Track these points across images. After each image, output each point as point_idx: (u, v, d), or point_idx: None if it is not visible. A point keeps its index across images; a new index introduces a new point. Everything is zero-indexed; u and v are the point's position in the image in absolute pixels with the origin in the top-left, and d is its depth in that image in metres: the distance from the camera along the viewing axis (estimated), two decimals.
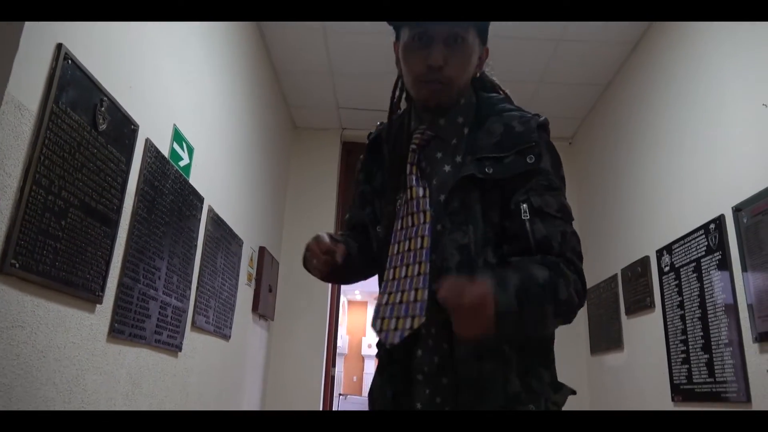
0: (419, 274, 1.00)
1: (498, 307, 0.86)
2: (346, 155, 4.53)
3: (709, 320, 2.45)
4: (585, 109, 4.12)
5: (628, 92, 3.48)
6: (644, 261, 3.11)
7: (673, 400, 2.73)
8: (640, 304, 3.15)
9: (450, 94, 1.08)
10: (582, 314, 4.07)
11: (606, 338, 3.66)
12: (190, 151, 2.39)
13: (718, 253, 2.40)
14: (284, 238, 4.30)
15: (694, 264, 2.59)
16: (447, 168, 1.09)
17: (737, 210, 2.27)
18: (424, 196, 1.06)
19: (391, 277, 1.04)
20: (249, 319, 3.43)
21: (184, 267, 2.33)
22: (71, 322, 1.58)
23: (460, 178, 1.03)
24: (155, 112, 2.05)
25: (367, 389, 1.20)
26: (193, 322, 2.45)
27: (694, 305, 2.58)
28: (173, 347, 2.24)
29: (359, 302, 13.62)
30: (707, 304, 2.47)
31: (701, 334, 2.51)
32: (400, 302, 1.01)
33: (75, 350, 1.60)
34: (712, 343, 2.42)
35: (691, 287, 2.61)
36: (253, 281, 3.50)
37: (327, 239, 1.10)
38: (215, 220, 2.71)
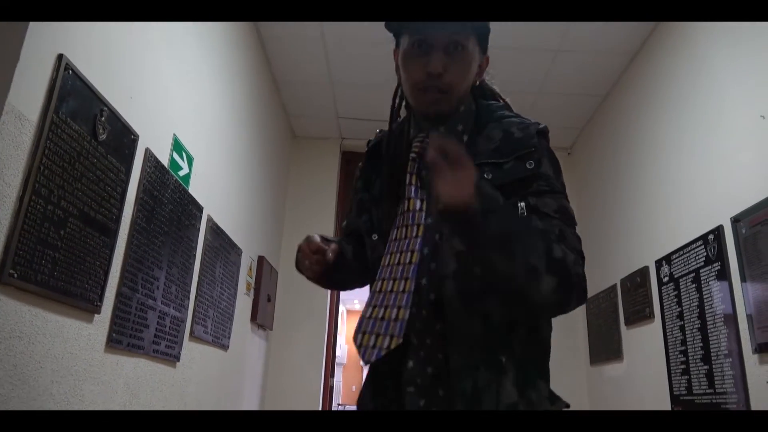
0: (403, 291, 0.99)
1: (481, 188, 0.86)
2: (345, 164, 4.54)
3: (709, 331, 2.45)
4: (584, 119, 4.14)
5: (627, 102, 3.50)
6: (643, 271, 3.10)
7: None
8: (639, 314, 3.15)
9: (449, 102, 1.08)
10: (581, 324, 4.08)
11: (606, 349, 3.65)
12: (190, 160, 2.39)
13: (717, 264, 2.40)
14: (283, 247, 4.30)
15: (693, 274, 2.59)
16: None
17: (736, 220, 2.28)
18: (420, 209, 1.05)
19: (378, 288, 1.04)
20: (248, 328, 3.42)
21: (183, 276, 2.33)
22: (69, 332, 1.57)
23: None
24: (155, 122, 2.06)
25: None
26: (192, 332, 2.44)
27: (693, 316, 2.58)
28: (171, 357, 2.23)
29: (358, 312, 13.53)
30: (707, 315, 2.47)
31: (701, 344, 2.50)
32: (382, 318, 1.00)
33: (73, 360, 1.59)
34: (712, 354, 2.42)
35: (691, 298, 2.61)
36: (252, 291, 3.49)
37: (318, 239, 1.10)
38: (214, 230, 2.71)
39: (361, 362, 1.02)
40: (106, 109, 1.68)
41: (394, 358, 1.01)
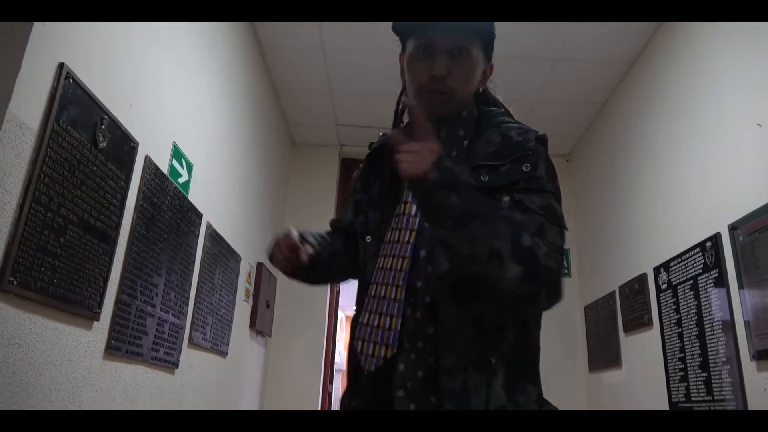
0: (394, 299, 1.01)
1: (444, 164, 0.89)
2: (344, 171, 4.55)
3: (707, 338, 2.45)
4: (582, 126, 4.15)
5: (625, 110, 3.52)
6: (642, 278, 3.11)
7: None
8: (638, 321, 3.15)
9: (452, 105, 1.09)
10: (580, 331, 4.08)
11: (604, 355, 3.65)
12: (189, 167, 2.40)
13: (714, 271, 2.41)
14: None
15: (691, 282, 2.60)
16: None
17: (733, 228, 2.29)
18: (415, 214, 1.06)
19: (372, 293, 1.05)
20: (246, 335, 3.42)
21: (182, 283, 2.33)
22: (68, 339, 1.58)
23: None
24: (155, 130, 2.07)
25: None
26: (190, 339, 2.44)
27: (691, 323, 2.58)
28: (170, 364, 2.23)
29: None
30: (705, 322, 2.48)
31: (699, 352, 2.51)
32: (377, 326, 1.02)
33: (71, 367, 1.60)
34: (710, 361, 2.42)
35: (689, 305, 2.61)
36: (251, 297, 3.49)
37: (295, 236, 1.11)
38: (213, 237, 2.72)
39: (364, 370, 1.03)
40: (106, 117, 1.69)
41: (384, 362, 1.02)
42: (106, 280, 1.73)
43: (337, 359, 4.80)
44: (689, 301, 2.61)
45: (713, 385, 2.39)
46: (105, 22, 1.70)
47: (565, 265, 4.37)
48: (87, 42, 1.62)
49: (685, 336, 2.63)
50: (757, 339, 2.11)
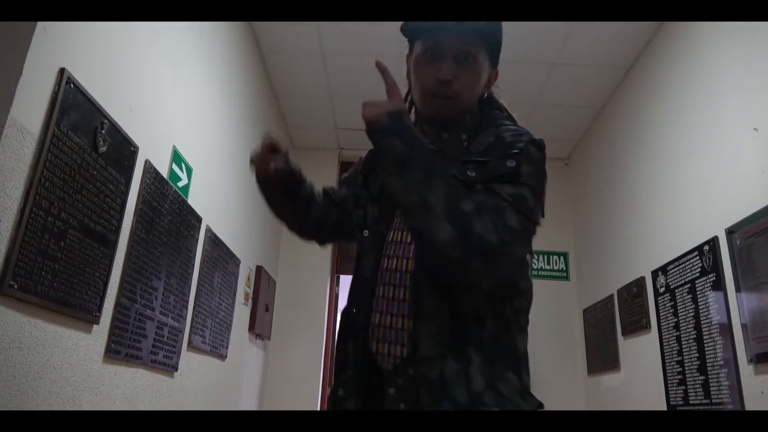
0: (404, 299, 1.04)
1: (399, 114, 0.98)
2: (343, 174, 4.55)
3: (705, 342, 2.46)
4: (580, 130, 4.17)
5: (623, 114, 3.53)
6: (640, 282, 3.12)
7: None
8: (636, 324, 3.16)
9: (456, 109, 1.10)
10: (579, 334, 4.09)
11: (603, 359, 3.66)
12: (189, 171, 2.41)
13: (712, 275, 2.42)
14: (281, 257, 4.32)
15: (688, 285, 2.61)
16: None
17: (730, 232, 2.30)
18: None
19: (381, 294, 1.07)
20: (245, 338, 3.42)
21: (182, 287, 2.34)
22: (68, 342, 1.58)
23: None
24: (155, 134, 2.08)
25: None
26: (190, 342, 2.45)
27: (689, 326, 2.59)
28: (169, 367, 2.24)
29: None
30: (702, 326, 2.48)
31: (696, 355, 2.51)
32: (390, 327, 1.04)
33: (71, 371, 1.60)
34: (708, 364, 2.43)
35: (687, 308, 2.62)
36: (250, 300, 3.50)
37: (279, 144, 1.18)
38: (213, 240, 2.72)
39: (383, 368, 1.04)
40: (106, 121, 1.70)
41: (363, 347, 1.06)
42: (105, 283, 1.73)
43: None
44: (687, 304, 2.62)
45: (711, 389, 2.40)
46: (105, 27, 1.71)
47: (564, 269, 4.38)
48: (87, 47, 1.63)
49: (683, 339, 2.64)
50: (755, 342, 2.12)
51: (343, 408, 1.06)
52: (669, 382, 2.75)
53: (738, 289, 2.23)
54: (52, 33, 1.47)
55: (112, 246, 1.77)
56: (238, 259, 3.15)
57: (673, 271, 2.77)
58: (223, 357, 2.94)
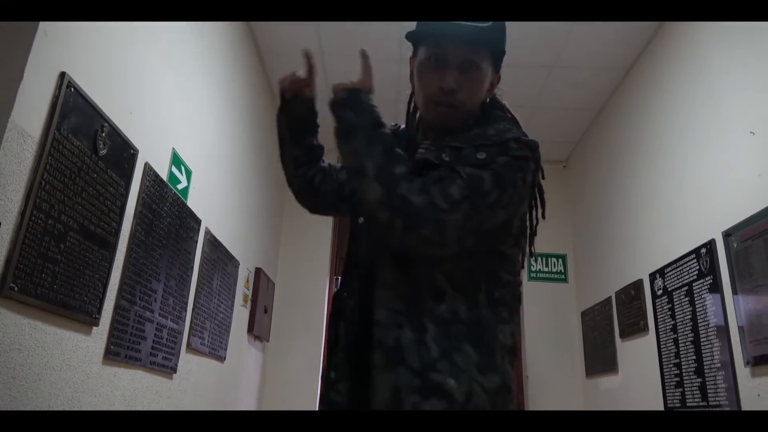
0: None
1: (357, 92, 1.09)
2: None
3: (702, 344, 2.47)
4: (579, 133, 4.18)
5: (621, 117, 3.54)
6: (637, 284, 3.13)
7: None
8: (634, 327, 3.17)
9: (457, 117, 1.11)
10: (577, 337, 4.10)
11: (601, 361, 3.66)
12: (188, 174, 2.42)
13: (709, 278, 2.43)
14: (280, 258, 4.32)
15: (686, 288, 2.62)
16: None
17: (727, 235, 2.31)
18: None
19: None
20: (244, 340, 3.43)
21: (181, 289, 2.35)
22: (68, 344, 1.59)
23: (414, 161, 1.06)
24: (154, 137, 2.09)
25: None
26: (189, 344, 2.46)
27: (686, 329, 2.60)
28: (168, 369, 2.24)
29: None
30: (700, 328, 2.50)
31: (694, 357, 2.52)
32: None
33: (71, 372, 1.61)
34: (705, 367, 2.44)
35: (684, 311, 2.63)
36: (249, 302, 3.50)
37: (312, 84, 1.31)
38: (212, 242, 2.73)
39: None
40: (106, 124, 1.71)
41: (335, 328, 1.11)
42: (105, 285, 1.74)
43: None
44: (684, 307, 2.63)
45: (708, 391, 2.41)
46: (105, 31, 1.72)
47: (563, 271, 4.39)
48: (88, 50, 1.64)
49: (680, 342, 2.65)
50: (751, 345, 2.13)
51: (335, 390, 1.07)
52: (666, 384, 2.76)
53: (735, 292, 2.25)
54: (53, 37, 1.48)
55: (112, 248, 1.78)
56: (237, 261, 3.15)
57: (670, 273, 2.78)
58: (222, 359, 2.94)
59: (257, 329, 3.56)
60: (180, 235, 2.32)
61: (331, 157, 1.33)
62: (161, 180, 2.13)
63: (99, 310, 1.72)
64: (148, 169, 2.02)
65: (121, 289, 1.85)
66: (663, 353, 2.81)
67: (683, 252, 2.65)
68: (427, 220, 0.96)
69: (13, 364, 1.37)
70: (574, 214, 4.36)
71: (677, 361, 2.67)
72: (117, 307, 1.83)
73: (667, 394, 2.75)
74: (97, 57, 1.69)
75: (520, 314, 4.40)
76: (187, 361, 2.45)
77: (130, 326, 1.91)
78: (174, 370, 2.30)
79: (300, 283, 4.29)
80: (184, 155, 2.37)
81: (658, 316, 2.88)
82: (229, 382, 3.12)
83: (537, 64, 3.39)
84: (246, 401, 3.53)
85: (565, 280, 4.37)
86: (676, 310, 2.71)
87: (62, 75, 1.50)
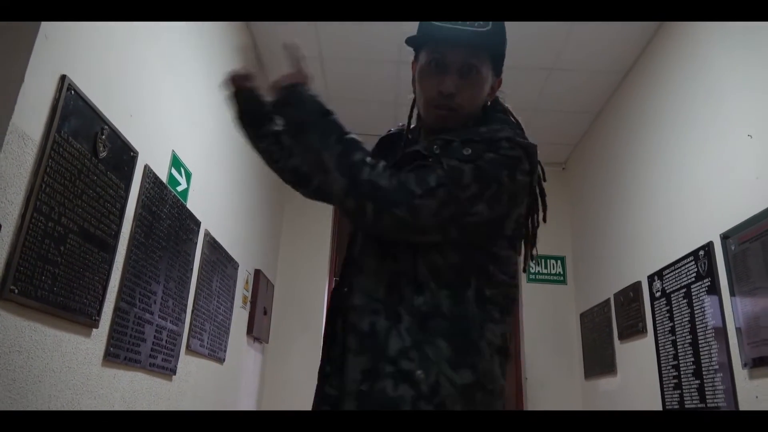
0: None
1: (296, 86, 1.09)
2: None
3: (700, 346, 2.48)
4: (578, 135, 4.19)
5: (620, 120, 3.55)
6: (636, 286, 3.14)
7: None
8: (632, 329, 3.18)
9: (457, 120, 1.11)
10: (576, 338, 4.10)
11: (600, 363, 3.67)
12: (188, 176, 2.43)
13: (707, 280, 2.44)
14: (280, 260, 4.33)
15: (684, 290, 2.62)
16: None
17: (725, 237, 2.32)
18: None
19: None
20: (243, 341, 3.43)
21: (180, 291, 2.35)
22: (67, 346, 1.60)
23: (404, 153, 1.07)
24: (154, 139, 2.10)
25: None
26: (188, 346, 2.46)
27: (685, 331, 2.61)
28: (168, 371, 2.25)
29: None
30: (698, 330, 2.50)
31: (692, 359, 2.53)
32: None
33: (70, 374, 1.62)
34: (703, 369, 2.45)
35: (682, 313, 2.64)
36: (248, 304, 3.51)
37: (251, 75, 1.36)
38: (211, 244, 2.74)
39: None
40: (106, 127, 1.72)
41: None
42: (105, 287, 1.75)
43: None
44: (683, 309, 2.64)
45: (706, 393, 2.41)
46: (105, 33, 1.73)
47: (562, 273, 4.40)
48: (88, 54, 1.65)
49: (678, 344, 2.66)
50: (749, 347, 2.14)
51: (330, 384, 1.08)
52: (665, 386, 2.77)
53: (733, 294, 2.25)
54: (54, 40, 1.48)
55: (112, 250, 1.79)
56: (236, 262, 3.16)
57: (668, 275, 2.78)
58: (221, 360, 2.95)
59: (256, 331, 3.56)
60: (179, 237, 2.33)
61: None
62: (161, 182, 2.14)
63: (99, 312, 1.72)
64: (148, 172, 2.02)
65: (120, 291, 1.86)
66: (661, 355, 2.82)
67: (681, 254, 2.65)
68: (401, 202, 0.97)
69: (13, 366, 1.38)
70: (573, 216, 4.37)
71: (675, 362, 2.67)
72: (117, 309, 1.84)
73: (666, 396, 2.75)
74: (98, 60, 1.70)
75: (519, 316, 4.43)
76: (186, 362, 2.46)
77: (129, 328, 1.92)
78: (173, 371, 2.30)
79: (299, 284, 4.29)
80: (183, 157, 2.37)
81: (657, 318, 2.89)
82: (228, 384, 3.12)
83: (536, 66, 3.40)
84: (245, 403, 3.53)
85: (564, 282, 4.38)
86: (674, 312, 2.71)
87: (63, 78, 1.51)
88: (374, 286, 1.05)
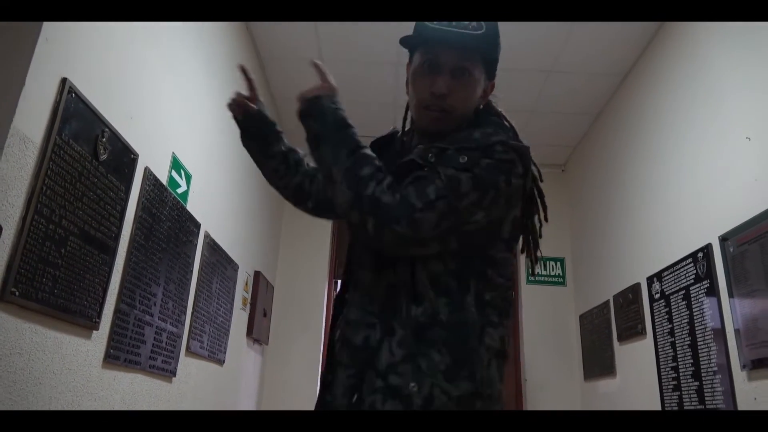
0: None
1: (319, 98, 1.13)
2: None
3: (699, 348, 2.48)
4: (577, 137, 4.20)
5: (619, 122, 3.56)
6: (635, 288, 3.14)
7: None
8: (631, 330, 3.18)
9: (448, 123, 1.12)
10: (575, 340, 4.10)
11: (599, 364, 3.67)
12: (188, 178, 2.43)
13: (706, 282, 2.44)
14: (280, 262, 4.33)
15: (683, 292, 2.63)
16: None
17: (724, 239, 2.32)
18: None
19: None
20: (243, 343, 3.43)
21: (180, 292, 2.36)
22: (68, 348, 1.60)
23: (399, 163, 1.07)
24: (154, 141, 2.10)
25: None
26: (188, 347, 2.46)
27: (684, 332, 2.61)
28: (167, 372, 2.25)
29: None
30: (697, 332, 2.51)
31: (691, 361, 2.54)
32: None
33: (71, 376, 1.62)
34: (702, 370, 2.45)
35: (681, 315, 2.64)
36: (248, 306, 3.51)
37: (253, 98, 1.38)
38: (211, 246, 2.74)
39: None
40: (107, 129, 1.72)
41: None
42: (105, 289, 1.75)
43: None
44: (682, 310, 2.64)
45: (705, 394, 2.42)
46: (106, 36, 1.74)
47: (561, 274, 4.41)
48: (88, 56, 1.65)
49: (677, 345, 2.66)
50: (748, 349, 2.14)
51: (330, 392, 1.08)
52: (664, 387, 2.77)
53: (731, 296, 2.26)
54: (54, 43, 1.49)
55: (112, 252, 1.79)
56: (236, 264, 3.16)
57: (667, 277, 2.79)
58: (221, 362, 2.95)
59: (256, 332, 3.57)
60: (179, 239, 2.33)
61: None
62: (161, 184, 2.14)
63: (99, 314, 1.72)
64: (148, 174, 2.03)
65: (120, 293, 1.86)
66: (660, 357, 2.82)
67: (680, 256, 2.66)
68: (401, 217, 0.97)
69: (14, 368, 1.38)
70: (572, 218, 4.38)
71: (675, 364, 2.68)
72: (117, 311, 1.84)
73: (665, 397, 2.76)
74: (98, 62, 1.70)
75: (519, 318, 4.43)
76: (186, 364, 2.46)
77: (129, 330, 1.92)
78: (173, 373, 2.31)
79: (299, 286, 4.30)
80: (183, 159, 2.38)
81: (656, 320, 2.90)
82: (228, 386, 3.12)
83: (535, 68, 3.40)
84: (245, 404, 3.54)
85: (563, 284, 4.38)
86: (673, 314, 2.72)
87: (63, 81, 1.51)
88: (370, 300, 1.06)
